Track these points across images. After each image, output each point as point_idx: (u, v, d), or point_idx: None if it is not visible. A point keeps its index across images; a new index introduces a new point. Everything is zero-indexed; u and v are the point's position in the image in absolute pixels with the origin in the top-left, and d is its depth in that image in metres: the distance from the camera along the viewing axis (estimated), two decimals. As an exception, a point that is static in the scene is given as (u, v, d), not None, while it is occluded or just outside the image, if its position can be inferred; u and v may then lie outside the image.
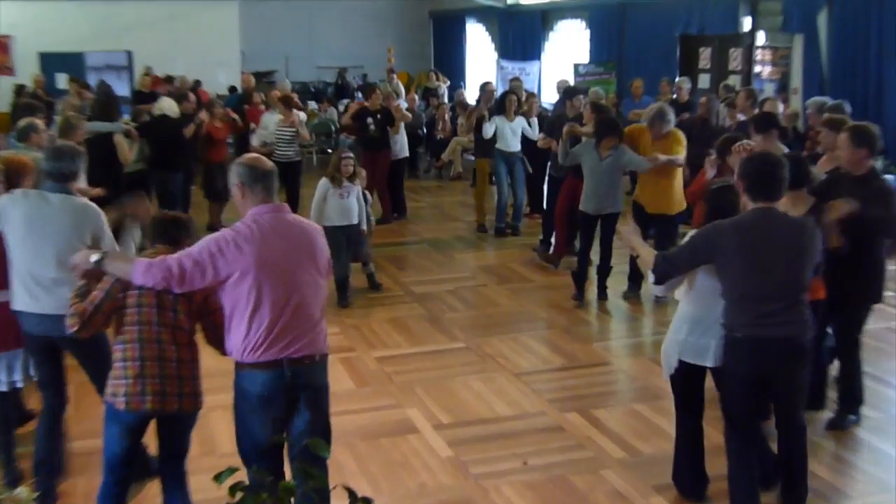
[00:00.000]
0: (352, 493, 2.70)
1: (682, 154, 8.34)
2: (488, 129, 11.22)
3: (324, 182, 8.64)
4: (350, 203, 8.64)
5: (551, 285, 9.40)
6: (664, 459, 5.41)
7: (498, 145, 11.26)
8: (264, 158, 4.21)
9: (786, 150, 6.79)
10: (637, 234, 5.05)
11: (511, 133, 11.23)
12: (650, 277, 4.73)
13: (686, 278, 4.72)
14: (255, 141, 12.22)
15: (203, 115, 11.46)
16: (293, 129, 11.60)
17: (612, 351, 7.60)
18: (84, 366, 5.00)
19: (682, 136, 8.50)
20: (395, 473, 5.42)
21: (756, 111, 9.35)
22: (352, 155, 8.76)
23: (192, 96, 12.27)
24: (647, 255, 4.78)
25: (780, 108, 9.12)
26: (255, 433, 4.10)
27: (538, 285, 9.45)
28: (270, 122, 11.92)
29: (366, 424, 6.09)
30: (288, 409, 4.12)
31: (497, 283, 9.52)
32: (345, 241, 8.57)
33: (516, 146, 11.29)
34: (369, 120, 12.05)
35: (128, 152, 9.67)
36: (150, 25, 19.16)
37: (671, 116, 8.52)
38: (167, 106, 11.07)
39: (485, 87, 12.75)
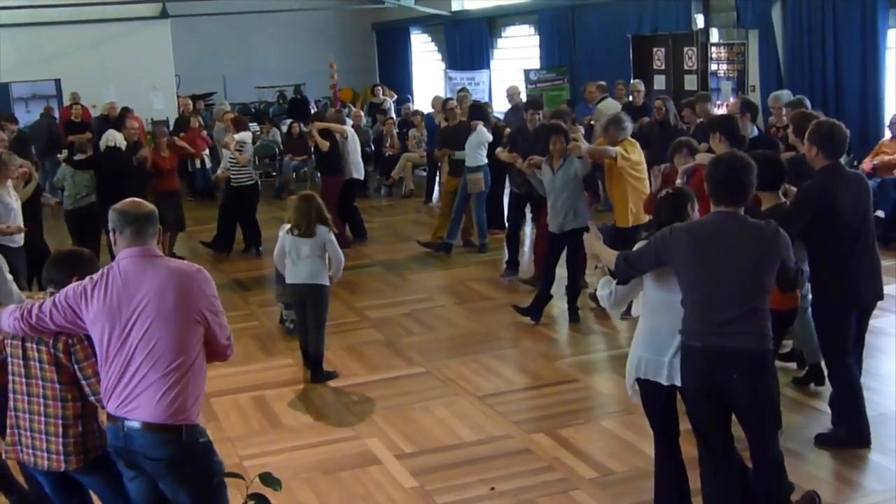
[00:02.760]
0: None
1: (630, 159, 8.01)
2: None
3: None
4: None
5: (512, 303, 9.17)
6: (637, 477, 5.34)
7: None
8: (142, 202, 3.98)
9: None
10: (599, 238, 4.93)
11: (468, 147, 10.95)
12: (603, 288, 4.71)
13: (637, 293, 4.69)
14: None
15: (145, 152, 11.18)
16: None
17: (579, 367, 7.43)
18: None
19: (634, 145, 8.22)
20: (359, 508, 5.26)
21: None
22: None
23: (134, 123, 11.99)
24: (609, 256, 4.71)
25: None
26: (120, 491, 4.05)
27: (498, 304, 9.27)
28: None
29: (325, 458, 5.93)
30: (135, 471, 3.89)
31: (455, 304, 9.34)
32: None
33: (476, 161, 10.90)
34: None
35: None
36: (78, 51, 18.72)
37: (628, 124, 8.29)
38: (118, 138, 10.79)
39: (445, 105, 12.48)
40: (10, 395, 4.09)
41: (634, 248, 4.63)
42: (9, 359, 4.09)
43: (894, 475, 5.31)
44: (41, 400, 4.01)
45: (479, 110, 11.32)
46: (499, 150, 9.73)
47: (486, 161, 10.86)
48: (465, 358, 7.65)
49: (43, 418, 4.01)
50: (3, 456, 4.16)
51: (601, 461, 5.66)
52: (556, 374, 7.26)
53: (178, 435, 3.76)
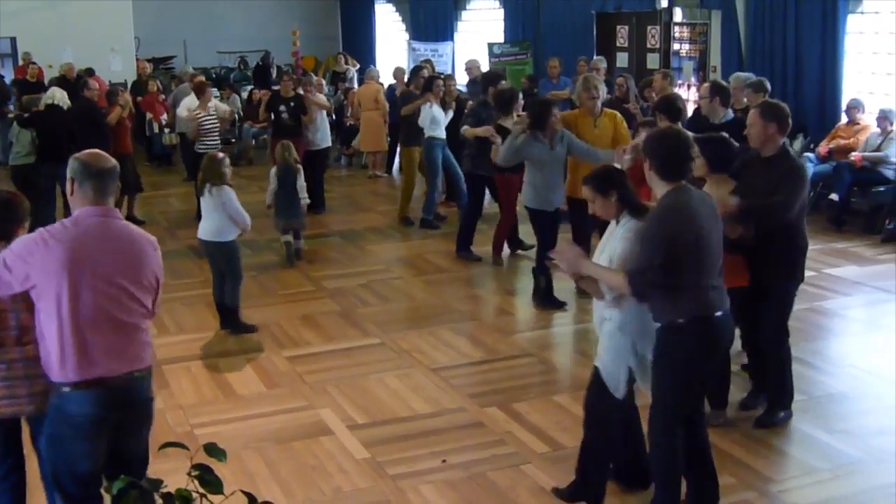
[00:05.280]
0: (251, 498, 2.64)
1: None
2: (431, 115, 10.82)
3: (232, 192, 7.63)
4: None
5: (469, 276, 9.25)
6: None
7: (433, 133, 10.87)
8: (105, 156, 3.93)
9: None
10: (584, 255, 4.55)
11: (443, 119, 10.90)
12: (610, 300, 4.42)
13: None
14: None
15: (126, 97, 11.45)
16: (214, 118, 11.36)
17: (533, 342, 7.45)
18: None
19: (620, 115, 8.12)
20: (309, 478, 5.27)
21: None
22: (226, 156, 7.88)
23: (93, 83, 11.82)
24: (613, 276, 4.35)
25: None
26: (79, 462, 3.86)
27: (455, 276, 9.27)
28: (183, 109, 11.75)
29: (277, 428, 5.91)
30: (113, 431, 3.89)
31: (413, 275, 9.33)
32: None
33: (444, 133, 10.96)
34: (282, 108, 11.79)
35: None
36: (35, 10, 18.30)
37: (602, 88, 8.15)
38: (58, 96, 10.64)
39: (417, 72, 12.28)
40: None
41: (638, 257, 4.31)
42: None
43: (839, 454, 5.40)
44: (17, 347, 4.00)
45: (429, 89, 11.07)
46: (464, 128, 9.59)
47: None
48: (420, 330, 7.65)
49: (21, 364, 4.00)
50: None
51: (553, 436, 5.69)
52: (510, 349, 7.27)
53: (151, 377, 4.03)
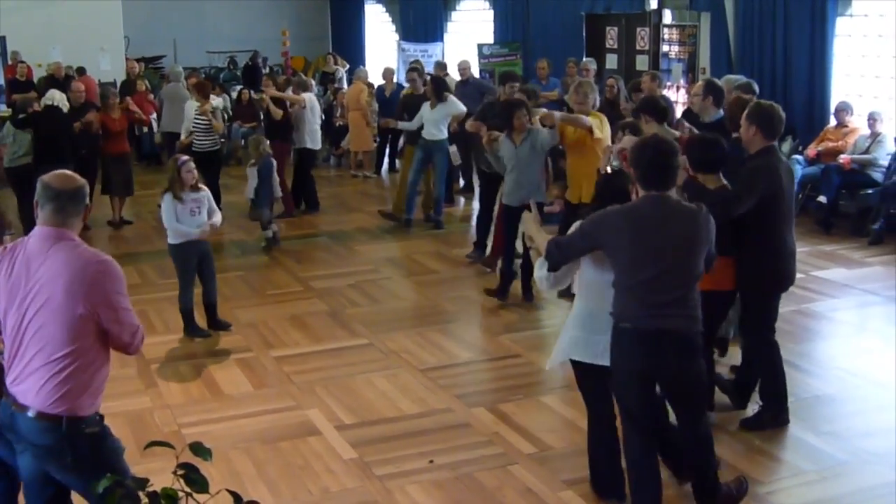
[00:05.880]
0: (237, 498, 2.61)
1: (601, 132, 7.81)
2: (413, 122, 10.87)
3: (169, 200, 7.34)
4: (203, 218, 7.46)
5: (458, 277, 9.23)
6: (575, 453, 5.39)
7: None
8: (70, 177, 3.73)
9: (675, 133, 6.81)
10: (537, 219, 4.84)
11: (431, 121, 10.81)
12: (540, 269, 4.62)
13: (576, 273, 4.67)
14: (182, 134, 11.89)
15: (91, 116, 11.01)
16: (208, 119, 11.28)
17: (521, 343, 7.43)
18: None
19: (603, 120, 8.02)
20: (297, 478, 5.27)
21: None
22: (190, 159, 7.54)
23: (80, 85, 11.73)
24: (542, 241, 4.62)
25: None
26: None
27: (444, 277, 9.26)
28: (190, 110, 11.60)
29: (264, 428, 5.90)
30: (22, 445, 3.73)
31: (402, 276, 9.33)
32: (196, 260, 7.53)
33: (439, 135, 10.85)
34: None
35: None
36: (24, 9, 18.23)
37: (594, 96, 8.11)
38: (57, 97, 10.64)
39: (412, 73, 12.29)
40: None
41: (567, 233, 4.60)
42: None
43: (826, 456, 5.41)
44: None
45: (441, 83, 11.17)
46: (469, 121, 9.56)
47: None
48: (409, 331, 7.64)
49: None
50: None
51: (540, 437, 5.69)
52: (498, 349, 7.27)
53: (59, 425, 3.60)
